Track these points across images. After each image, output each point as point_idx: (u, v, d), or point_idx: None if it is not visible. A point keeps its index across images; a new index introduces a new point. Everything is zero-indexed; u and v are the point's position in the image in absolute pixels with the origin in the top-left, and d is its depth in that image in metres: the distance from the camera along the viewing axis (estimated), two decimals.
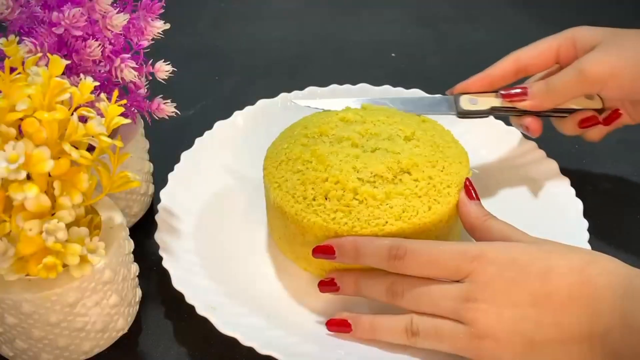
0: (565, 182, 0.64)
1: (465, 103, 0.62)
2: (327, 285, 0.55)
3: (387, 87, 0.75)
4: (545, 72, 0.64)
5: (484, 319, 0.47)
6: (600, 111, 0.62)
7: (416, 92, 0.74)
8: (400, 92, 0.74)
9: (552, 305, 0.46)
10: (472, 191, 0.56)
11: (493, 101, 0.62)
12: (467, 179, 0.57)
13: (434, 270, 0.50)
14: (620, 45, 0.58)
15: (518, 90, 0.61)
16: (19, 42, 0.50)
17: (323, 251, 0.54)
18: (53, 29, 0.52)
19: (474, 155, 0.62)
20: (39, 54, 0.50)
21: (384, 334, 0.52)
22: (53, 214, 0.47)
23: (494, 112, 0.63)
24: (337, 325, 0.53)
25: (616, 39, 0.59)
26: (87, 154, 0.46)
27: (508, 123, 0.70)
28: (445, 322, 0.49)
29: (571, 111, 0.62)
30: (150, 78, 0.58)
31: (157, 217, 0.61)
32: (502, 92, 0.62)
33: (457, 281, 0.49)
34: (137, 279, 0.57)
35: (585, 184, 0.68)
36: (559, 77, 0.60)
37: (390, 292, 0.52)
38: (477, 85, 0.63)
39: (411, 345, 0.51)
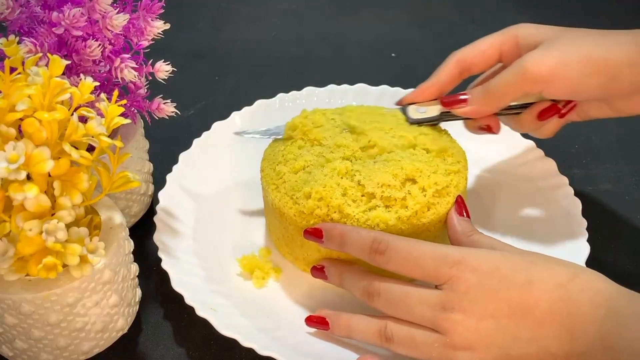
0: (564, 181, 0.64)
1: (414, 112, 0.61)
2: (317, 271, 0.56)
3: (385, 87, 0.75)
4: (490, 71, 0.62)
5: (461, 329, 0.46)
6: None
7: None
8: (399, 91, 0.74)
9: (531, 320, 0.45)
10: (463, 208, 0.56)
11: (441, 107, 0.61)
12: (459, 196, 0.57)
13: (413, 270, 0.49)
14: (565, 44, 0.55)
15: (459, 97, 0.60)
16: (19, 42, 0.50)
17: (312, 233, 0.54)
18: (53, 29, 0.52)
19: (472, 154, 0.62)
20: (39, 54, 0.50)
21: (359, 335, 0.51)
22: (53, 214, 0.47)
23: (444, 117, 0.61)
24: (316, 322, 0.53)
25: (561, 37, 0.56)
26: (87, 154, 0.46)
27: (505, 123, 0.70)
28: (419, 330, 0.48)
29: (525, 106, 0.60)
30: (150, 78, 0.58)
31: (156, 219, 0.61)
32: (443, 99, 0.60)
33: (436, 286, 0.48)
34: (137, 279, 0.57)
35: (584, 184, 0.68)
36: (498, 78, 0.57)
37: (366, 292, 0.51)
38: (425, 95, 0.61)
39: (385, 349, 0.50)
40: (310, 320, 0.54)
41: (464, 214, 0.55)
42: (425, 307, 0.48)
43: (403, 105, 0.62)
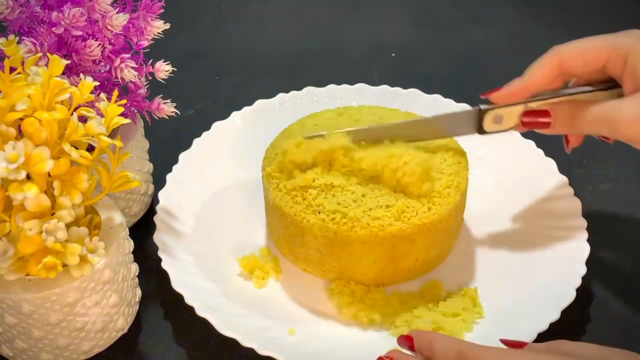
0: (564, 181, 0.64)
1: (490, 123, 0.56)
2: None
3: (385, 86, 0.75)
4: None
5: None
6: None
7: (415, 93, 0.74)
8: (399, 91, 0.74)
9: None
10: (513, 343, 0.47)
11: (520, 115, 0.56)
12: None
13: None
14: None
15: (540, 120, 0.55)
16: (19, 42, 0.50)
17: (406, 340, 0.47)
18: (53, 28, 0.52)
19: (472, 154, 0.62)
20: (39, 54, 0.50)
21: None
22: (53, 214, 0.47)
23: (519, 127, 0.57)
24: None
25: None
26: (87, 154, 0.46)
27: None
28: None
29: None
30: (150, 78, 0.58)
31: (156, 218, 0.61)
32: (523, 119, 0.56)
33: None
34: (137, 279, 0.57)
35: (584, 184, 0.68)
36: (589, 113, 0.53)
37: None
38: (515, 98, 0.56)
39: None
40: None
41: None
42: None
43: (486, 107, 0.57)
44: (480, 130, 0.57)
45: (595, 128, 0.54)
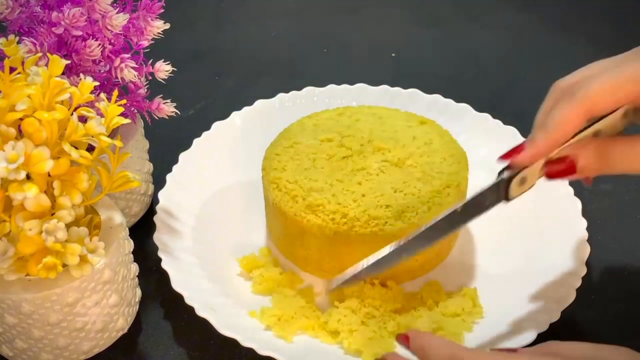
0: (564, 181, 0.64)
1: (516, 189, 0.49)
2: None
3: (385, 87, 0.75)
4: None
5: None
6: None
7: (415, 93, 0.74)
8: (399, 91, 0.74)
9: None
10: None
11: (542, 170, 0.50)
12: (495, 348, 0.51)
13: None
14: None
15: (564, 167, 0.48)
16: (19, 42, 0.50)
17: (403, 339, 0.48)
18: (53, 28, 0.52)
19: (472, 154, 0.62)
20: (39, 54, 0.50)
21: None
22: (53, 214, 0.47)
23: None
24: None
25: None
26: (87, 154, 0.46)
27: (507, 122, 0.70)
28: None
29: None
30: (150, 78, 0.58)
31: (156, 218, 0.60)
32: (548, 171, 0.49)
33: None
34: (137, 279, 0.57)
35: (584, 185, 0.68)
36: (618, 154, 0.47)
37: None
38: (545, 154, 0.48)
39: None
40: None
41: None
42: None
43: (510, 171, 0.49)
44: (507, 198, 0.50)
45: (629, 164, 0.47)
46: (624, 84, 0.46)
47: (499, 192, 0.49)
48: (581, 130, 0.48)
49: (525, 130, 0.68)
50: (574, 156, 0.48)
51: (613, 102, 0.47)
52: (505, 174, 0.49)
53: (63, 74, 0.48)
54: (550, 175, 0.49)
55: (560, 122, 0.47)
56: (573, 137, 0.48)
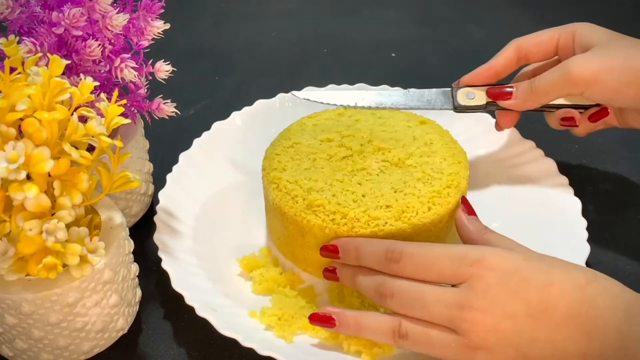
0: (564, 181, 0.64)
1: (463, 98, 0.62)
2: (330, 272, 0.55)
3: (385, 87, 0.75)
4: (543, 62, 0.64)
5: (479, 329, 0.46)
6: (587, 107, 0.62)
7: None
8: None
9: (549, 321, 0.45)
10: (470, 207, 0.56)
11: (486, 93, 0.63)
12: (463, 196, 0.57)
13: (431, 274, 0.49)
14: (613, 50, 0.58)
15: (505, 90, 0.61)
16: (19, 42, 0.50)
17: (329, 250, 0.54)
18: (53, 29, 0.52)
19: (472, 154, 0.62)
20: (39, 54, 0.50)
21: (369, 333, 0.51)
22: (53, 214, 0.47)
23: (489, 106, 0.62)
24: (321, 321, 0.52)
25: (611, 44, 0.58)
26: (87, 154, 0.46)
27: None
28: (435, 330, 0.47)
29: (559, 107, 0.62)
30: (150, 78, 0.58)
31: (156, 218, 0.60)
32: (489, 90, 0.62)
33: (453, 286, 0.48)
34: (137, 279, 0.57)
35: (584, 184, 0.68)
36: (543, 77, 0.59)
37: (378, 293, 0.50)
38: (482, 78, 0.63)
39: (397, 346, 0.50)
40: (314, 319, 0.52)
41: (472, 212, 0.56)
42: (442, 306, 0.47)
43: (458, 86, 0.63)
44: (457, 106, 0.62)
45: (554, 89, 0.59)
46: (544, 33, 0.63)
47: (448, 96, 0.63)
48: None
49: (524, 130, 0.68)
50: (513, 84, 0.62)
51: (536, 42, 0.63)
52: (454, 85, 0.64)
53: (63, 74, 0.48)
54: (491, 94, 0.62)
55: (495, 56, 0.64)
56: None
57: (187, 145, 0.68)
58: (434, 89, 0.64)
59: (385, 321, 0.50)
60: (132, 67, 0.55)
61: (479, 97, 0.62)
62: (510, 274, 0.46)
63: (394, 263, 0.50)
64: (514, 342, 0.46)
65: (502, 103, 0.61)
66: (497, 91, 0.61)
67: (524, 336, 0.45)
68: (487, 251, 0.48)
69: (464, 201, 0.57)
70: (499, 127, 0.65)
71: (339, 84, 0.75)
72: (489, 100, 0.62)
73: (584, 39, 0.60)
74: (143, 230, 0.63)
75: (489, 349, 0.46)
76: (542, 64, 0.64)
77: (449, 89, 0.63)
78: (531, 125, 0.67)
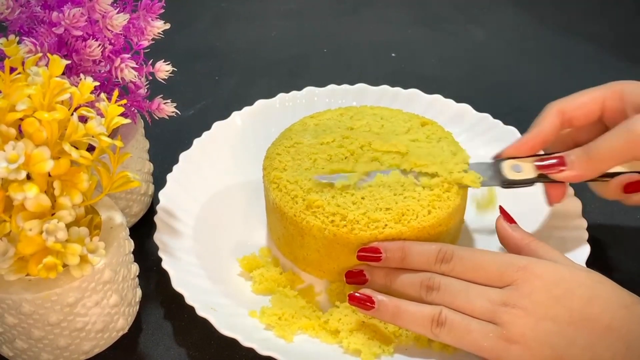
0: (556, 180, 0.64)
1: (509, 172, 0.57)
2: (354, 276, 0.55)
3: (385, 87, 0.75)
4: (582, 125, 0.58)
5: (519, 324, 0.47)
6: None
7: (415, 93, 0.74)
8: (399, 91, 0.74)
9: (590, 330, 0.46)
10: (509, 215, 0.56)
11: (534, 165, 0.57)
12: (501, 206, 0.57)
13: (478, 276, 0.50)
14: None
15: (553, 161, 0.56)
16: (19, 42, 0.50)
17: (369, 252, 0.54)
18: (53, 29, 0.52)
19: (473, 154, 0.62)
20: (39, 54, 0.50)
21: (406, 319, 0.51)
22: (53, 214, 0.47)
23: (541, 179, 0.57)
24: (360, 301, 0.52)
25: None
26: (87, 154, 0.46)
27: (507, 122, 0.70)
28: (476, 320, 0.48)
29: (614, 174, 0.56)
30: (150, 78, 0.58)
31: (156, 218, 0.60)
32: (537, 163, 0.57)
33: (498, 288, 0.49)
34: (137, 279, 0.57)
35: (584, 184, 0.67)
36: (603, 142, 0.53)
37: (425, 285, 0.51)
38: (528, 148, 0.57)
39: (432, 338, 0.51)
40: (353, 299, 0.52)
41: (512, 220, 0.56)
42: (485, 301, 0.49)
43: (502, 158, 0.58)
44: (504, 180, 0.57)
45: (618, 154, 0.53)
46: (587, 93, 0.57)
47: (494, 169, 0.57)
48: None
49: (525, 130, 0.68)
50: (563, 153, 0.56)
51: (579, 104, 0.57)
52: (496, 159, 0.58)
53: (63, 74, 0.48)
54: (540, 167, 0.56)
55: (537, 122, 0.57)
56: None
57: (187, 145, 0.68)
58: (473, 162, 0.58)
59: (425, 309, 0.50)
60: (132, 67, 0.55)
61: (527, 169, 0.57)
62: (556, 284, 0.48)
63: (445, 263, 0.51)
64: (551, 342, 0.46)
65: (556, 176, 0.56)
66: (547, 164, 0.56)
67: (562, 338, 0.46)
68: (532, 261, 0.50)
69: (502, 210, 0.56)
70: (549, 202, 0.60)
71: (339, 84, 0.75)
72: (541, 172, 0.56)
73: (635, 98, 0.54)
74: (143, 230, 0.63)
75: (525, 345, 0.47)
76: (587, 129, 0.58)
77: (491, 161, 0.58)
78: (531, 125, 0.67)
